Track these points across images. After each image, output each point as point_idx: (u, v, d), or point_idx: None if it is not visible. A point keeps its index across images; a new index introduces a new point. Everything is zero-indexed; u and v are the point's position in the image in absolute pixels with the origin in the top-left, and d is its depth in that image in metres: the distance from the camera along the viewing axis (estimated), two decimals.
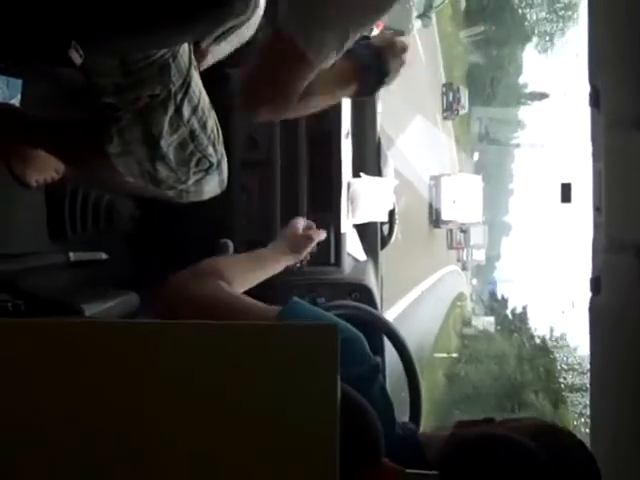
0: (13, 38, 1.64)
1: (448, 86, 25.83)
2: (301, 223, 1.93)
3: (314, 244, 1.93)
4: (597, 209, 1.77)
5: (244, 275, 1.65)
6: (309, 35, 1.34)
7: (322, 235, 1.97)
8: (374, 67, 1.64)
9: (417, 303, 21.80)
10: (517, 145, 58.95)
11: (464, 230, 29.43)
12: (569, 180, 2.10)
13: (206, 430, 0.85)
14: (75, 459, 0.85)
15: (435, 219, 23.33)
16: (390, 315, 14.30)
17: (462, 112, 28.61)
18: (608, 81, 1.80)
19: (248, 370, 0.87)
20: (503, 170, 61.16)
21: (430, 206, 23.09)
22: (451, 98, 26.17)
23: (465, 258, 46.94)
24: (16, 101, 2.14)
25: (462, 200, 23.30)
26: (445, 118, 28.31)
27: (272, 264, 1.82)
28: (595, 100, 1.83)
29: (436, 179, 22.70)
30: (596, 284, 1.69)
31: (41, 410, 0.86)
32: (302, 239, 1.90)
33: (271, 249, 1.85)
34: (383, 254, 3.03)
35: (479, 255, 49.21)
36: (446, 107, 26.74)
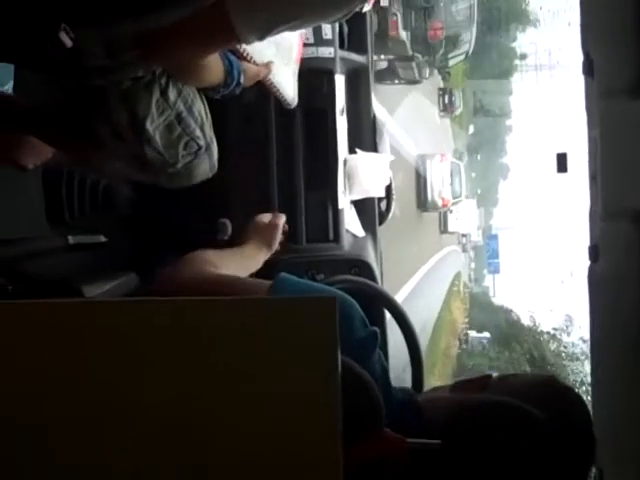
0: (3, 23, 1.64)
1: (444, 90, 26.89)
2: (262, 217, 1.96)
3: (281, 230, 1.97)
4: (593, 177, 1.78)
5: (230, 269, 1.66)
6: (244, 17, 1.48)
7: (283, 218, 2.01)
8: (233, 82, 1.82)
9: (421, 285, 21.57)
10: (509, 119, 58.79)
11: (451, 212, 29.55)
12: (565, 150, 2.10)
13: (207, 404, 0.86)
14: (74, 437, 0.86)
15: (423, 201, 22.28)
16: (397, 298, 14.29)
17: (457, 112, 30.50)
18: (601, 49, 1.80)
19: (248, 344, 0.88)
20: (497, 142, 60.86)
21: (417, 188, 22.09)
22: (447, 101, 27.10)
23: (464, 241, 47.13)
24: (9, 87, 2.14)
25: (445, 182, 22.53)
26: (442, 117, 30.01)
27: (250, 262, 1.84)
28: (589, 68, 1.82)
29: (422, 159, 21.63)
30: (594, 252, 1.70)
31: (44, 388, 0.86)
32: (269, 229, 1.94)
33: (244, 248, 1.86)
34: (382, 230, 3.04)
35: (476, 237, 49.76)
36: (442, 108, 27.90)
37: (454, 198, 23.55)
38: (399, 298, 14.79)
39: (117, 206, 2.56)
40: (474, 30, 14.59)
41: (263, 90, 2.18)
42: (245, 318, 0.89)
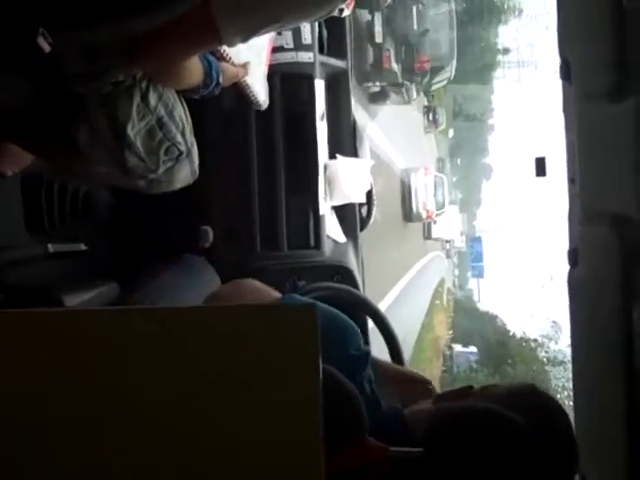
0: None
1: (428, 108, 28.58)
2: None
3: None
4: (571, 181, 1.78)
5: None
6: (229, 20, 1.51)
7: None
8: (212, 83, 1.84)
9: (405, 292, 21.67)
10: (490, 118, 58.95)
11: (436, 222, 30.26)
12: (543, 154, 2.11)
13: (189, 410, 0.86)
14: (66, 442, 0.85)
15: (408, 213, 23.41)
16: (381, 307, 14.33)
17: (440, 128, 32.59)
18: (578, 53, 1.81)
19: (229, 350, 0.87)
20: (477, 144, 60.93)
21: (402, 198, 23.08)
22: (431, 118, 29.12)
23: (447, 247, 47.19)
24: None
25: (429, 194, 23.73)
26: (427, 132, 31.99)
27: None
28: (566, 73, 1.83)
29: (406, 172, 22.86)
30: (573, 256, 1.70)
31: (28, 397, 0.86)
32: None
33: None
34: (366, 236, 3.04)
35: (459, 242, 49.76)
36: (427, 125, 29.81)
37: (438, 209, 24.76)
38: (383, 305, 14.73)
39: (97, 213, 2.54)
40: (454, 61, 17.11)
41: (242, 94, 2.18)
42: (226, 325, 0.89)
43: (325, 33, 2.91)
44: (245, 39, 1.60)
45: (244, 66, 2.00)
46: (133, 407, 0.86)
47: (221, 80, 1.86)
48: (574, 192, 1.77)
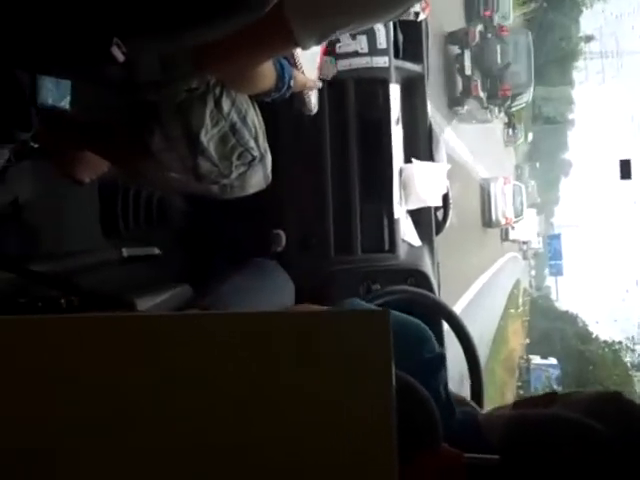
0: (57, 38, 1.66)
1: (508, 124, 30.33)
2: None
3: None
4: None
5: None
6: (305, 22, 1.48)
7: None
8: (284, 86, 1.82)
9: (480, 294, 21.67)
10: (572, 121, 57.68)
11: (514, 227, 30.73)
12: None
13: (260, 418, 0.84)
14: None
15: (488, 220, 24.68)
16: (456, 309, 14.44)
17: (519, 142, 35.44)
18: None
19: (301, 358, 0.85)
20: (556, 141, 59.48)
21: (482, 206, 24.33)
22: (510, 133, 31.82)
23: (525, 248, 46.48)
24: (66, 102, 2.15)
25: (508, 202, 24.97)
26: (507, 145, 34.57)
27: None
28: None
29: (486, 182, 24.21)
30: None
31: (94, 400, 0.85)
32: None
33: None
34: (442, 239, 3.00)
35: (536, 244, 48.77)
36: (507, 139, 32.28)
37: (516, 217, 26.18)
38: (458, 307, 14.66)
39: (171, 218, 2.57)
40: (532, 87, 20.15)
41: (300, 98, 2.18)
42: (296, 331, 0.87)
43: (401, 37, 2.89)
44: (320, 41, 1.58)
45: (314, 82, 2.00)
46: (203, 411, 0.84)
47: (292, 84, 1.84)
48: None
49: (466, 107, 17.73)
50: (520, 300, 43.07)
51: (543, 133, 48.95)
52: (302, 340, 0.86)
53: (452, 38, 16.85)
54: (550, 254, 48.84)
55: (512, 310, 38.87)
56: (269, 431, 0.83)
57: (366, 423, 0.83)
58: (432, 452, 1.04)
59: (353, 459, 0.83)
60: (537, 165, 52.81)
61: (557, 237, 50.41)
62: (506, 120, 28.80)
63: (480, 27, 17.74)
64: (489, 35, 17.91)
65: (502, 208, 24.40)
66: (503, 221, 25.27)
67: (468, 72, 16.70)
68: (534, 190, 50.01)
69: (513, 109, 23.00)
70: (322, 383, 0.84)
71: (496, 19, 19.48)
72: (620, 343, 38.39)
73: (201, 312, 0.92)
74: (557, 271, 50.12)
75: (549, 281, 57.69)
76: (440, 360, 1.35)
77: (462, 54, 16.74)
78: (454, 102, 17.15)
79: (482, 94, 17.60)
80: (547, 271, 55.15)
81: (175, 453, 0.83)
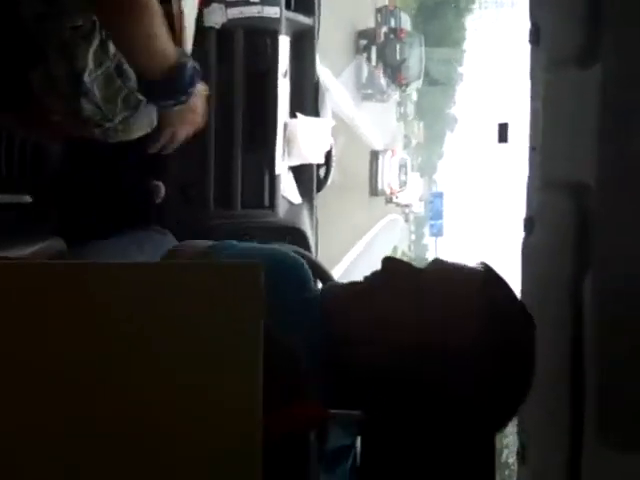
0: None
1: (399, 103, 36.34)
2: None
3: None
4: (533, 148, 1.75)
5: None
6: None
7: None
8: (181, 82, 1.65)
9: (362, 255, 22.34)
10: (460, 76, 58.67)
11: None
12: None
13: (124, 371, 0.81)
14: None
15: (374, 189, 26.99)
16: (337, 270, 15.09)
17: (409, 118, 42.37)
18: (549, 17, 1.77)
19: (169, 309, 0.82)
20: (444, 101, 60.43)
21: (370, 175, 26.37)
22: (402, 110, 39.17)
23: (407, 211, 47.07)
24: None
25: (394, 174, 27.75)
26: (398, 121, 39.99)
27: None
28: (535, 37, 1.79)
29: (375, 154, 26.56)
30: (529, 224, 1.68)
31: None
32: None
33: None
34: (321, 197, 3.00)
35: (418, 207, 49.20)
36: (399, 116, 38.61)
37: (400, 188, 29.64)
38: (341, 267, 14.93)
39: (46, 166, 2.46)
40: (421, 79, 26.88)
41: (203, 48, 2.10)
42: (165, 281, 0.84)
43: None
44: None
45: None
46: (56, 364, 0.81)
47: (194, 92, 1.72)
48: (535, 159, 1.74)
49: (369, 90, 22.70)
50: None
51: (429, 94, 49.64)
52: (173, 289, 0.83)
53: (363, 34, 21.75)
54: (431, 213, 47.70)
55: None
56: (133, 379, 0.81)
57: (231, 377, 0.82)
58: (296, 407, 1.04)
59: (216, 412, 0.81)
60: (421, 125, 53.49)
61: (439, 196, 48.57)
62: (399, 100, 34.22)
63: (385, 29, 22.86)
64: (391, 36, 22.94)
65: (388, 179, 27.18)
66: (388, 191, 28.36)
67: (374, 63, 21.97)
68: (420, 130, 50.89)
69: (407, 92, 29.70)
70: (187, 334, 0.82)
71: (397, 20, 24.35)
72: None
73: (73, 261, 0.87)
74: (437, 231, 48.66)
75: (428, 241, 58.35)
76: (316, 301, 1.33)
77: (370, 48, 21.78)
78: (361, 85, 21.91)
79: (383, 81, 23.02)
80: (427, 231, 55.10)
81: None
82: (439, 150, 70.40)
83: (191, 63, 1.65)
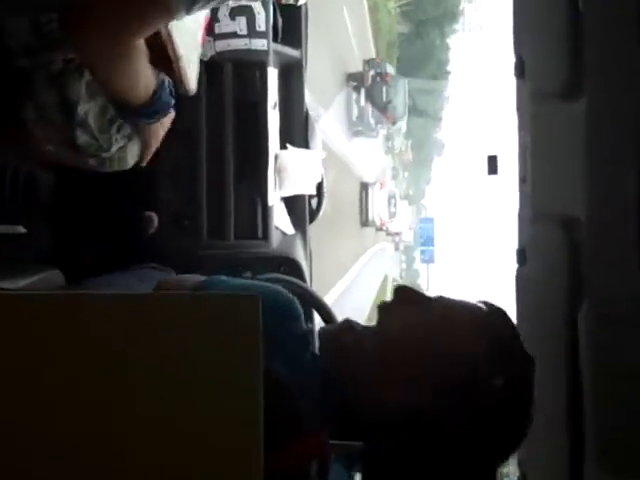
0: None
1: (387, 137, 39.10)
2: None
3: None
4: (523, 180, 1.78)
5: None
6: None
7: None
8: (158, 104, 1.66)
9: (353, 284, 22.83)
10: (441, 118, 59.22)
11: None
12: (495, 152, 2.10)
13: (122, 406, 0.82)
14: None
15: (365, 220, 28.80)
16: (332, 295, 15.54)
17: (397, 151, 45.24)
18: (533, 51, 1.80)
19: (167, 342, 0.83)
20: (430, 134, 60.76)
21: (360, 206, 27.98)
22: (390, 144, 41.78)
23: (397, 239, 46.98)
24: None
25: (383, 205, 30.47)
26: (386, 154, 43.11)
27: None
28: (520, 70, 1.83)
29: (364, 186, 28.47)
30: (522, 255, 1.70)
31: None
32: None
33: None
34: (313, 228, 3.01)
35: (408, 237, 49.02)
36: (386, 149, 41.74)
37: (390, 218, 32.65)
38: (331, 297, 14.94)
39: (39, 195, 2.47)
40: (406, 117, 30.43)
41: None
42: (162, 313, 0.85)
43: (280, 21, 2.87)
44: (188, 10, 1.45)
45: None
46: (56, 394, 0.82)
47: (170, 112, 1.75)
48: (525, 191, 1.77)
49: (359, 127, 25.09)
50: (389, 290, 43.64)
51: (417, 125, 49.95)
52: (171, 322, 0.84)
53: (352, 77, 23.75)
54: (422, 239, 46.55)
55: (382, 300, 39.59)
56: (129, 412, 0.82)
57: (232, 415, 0.83)
58: (298, 441, 1.05)
59: (217, 452, 0.82)
60: (408, 143, 53.64)
61: (430, 221, 47.48)
62: (386, 134, 36.76)
63: (372, 72, 25.00)
64: (378, 79, 25.19)
65: (377, 210, 29.42)
66: (378, 222, 30.78)
67: (362, 104, 24.49)
68: (408, 149, 51.18)
69: (392, 130, 33.72)
70: (185, 367, 0.83)
71: (383, 69, 26.54)
72: None
73: (72, 292, 0.88)
74: (429, 258, 47.88)
75: (418, 266, 57.64)
76: (310, 335, 1.34)
77: (359, 90, 24.22)
78: (351, 123, 24.25)
79: (371, 120, 25.66)
80: (418, 256, 54.05)
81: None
82: (427, 175, 70.49)
83: (167, 81, 1.68)
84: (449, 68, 55.72)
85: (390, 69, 27.80)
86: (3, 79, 1.70)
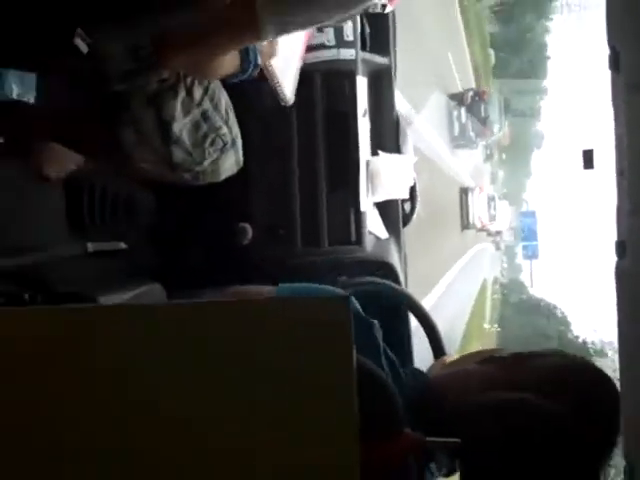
0: (19, 30, 1.64)
1: (486, 146, 40.06)
2: None
3: None
4: (620, 173, 1.73)
5: None
6: (273, 16, 1.48)
7: None
8: (250, 66, 1.77)
9: (456, 278, 24.15)
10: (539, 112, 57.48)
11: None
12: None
13: (218, 409, 0.84)
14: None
15: (466, 223, 29.82)
16: (436, 291, 17.09)
17: (494, 159, 46.38)
18: (628, 42, 1.76)
19: (262, 347, 0.85)
20: (527, 133, 59.07)
21: (461, 210, 29.09)
22: (488, 152, 42.48)
23: (498, 239, 46.27)
24: (31, 96, 2.13)
25: (483, 208, 32.00)
26: (485, 162, 44.74)
27: None
28: (614, 62, 1.78)
29: (464, 191, 29.57)
30: (621, 248, 1.66)
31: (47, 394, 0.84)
32: None
33: None
34: (415, 230, 3.02)
35: (509, 236, 48.21)
36: (485, 157, 43.30)
37: (490, 221, 33.85)
38: (429, 300, 14.90)
39: (138, 213, 2.55)
40: (502, 130, 32.17)
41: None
42: (255, 319, 0.86)
43: (367, 30, 2.88)
44: (277, 35, 1.59)
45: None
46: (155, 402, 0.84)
47: (259, 61, 1.82)
48: (623, 184, 1.72)
49: (461, 141, 26.80)
50: (489, 293, 42.68)
51: (511, 121, 49.01)
52: (263, 326, 0.85)
53: (453, 97, 25.53)
54: (524, 234, 44.65)
55: (480, 308, 38.87)
56: (226, 416, 0.83)
57: (327, 411, 0.83)
58: (395, 438, 1.05)
59: (315, 446, 0.83)
60: (503, 156, 52.68)
61: (532, 215, 45.58)
62: (485, 144, 37.57)
63: (471, 92, 27.31)
64: (476, 98, 27.40)
65: (478, 213, 30.93)
66: (479, 225, 32.13)
67: (463, 120, 26.24)
68: (507, 133, 50.51)
69: (490, 141, 35.31)
70: (283, 371, 0.84)
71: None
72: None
73: (166, 303, 0.91)
74: (532, 253, 45.47)
75: (520, 261, 55.61)
76: (378, 330, 1.34)
77: (459, 108, 25.95)
78: (453, 137, 25.75)
79: (472, 134, 27.42)
80: (520, 251, 51.77)
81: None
82: (526, 169, 68.74)
83: (250, 47, 1.75)
84: (548, 53, 54.16)
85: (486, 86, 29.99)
86: (103, 104, 1.77)
